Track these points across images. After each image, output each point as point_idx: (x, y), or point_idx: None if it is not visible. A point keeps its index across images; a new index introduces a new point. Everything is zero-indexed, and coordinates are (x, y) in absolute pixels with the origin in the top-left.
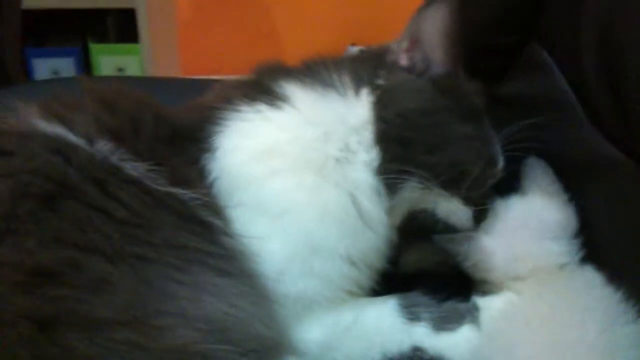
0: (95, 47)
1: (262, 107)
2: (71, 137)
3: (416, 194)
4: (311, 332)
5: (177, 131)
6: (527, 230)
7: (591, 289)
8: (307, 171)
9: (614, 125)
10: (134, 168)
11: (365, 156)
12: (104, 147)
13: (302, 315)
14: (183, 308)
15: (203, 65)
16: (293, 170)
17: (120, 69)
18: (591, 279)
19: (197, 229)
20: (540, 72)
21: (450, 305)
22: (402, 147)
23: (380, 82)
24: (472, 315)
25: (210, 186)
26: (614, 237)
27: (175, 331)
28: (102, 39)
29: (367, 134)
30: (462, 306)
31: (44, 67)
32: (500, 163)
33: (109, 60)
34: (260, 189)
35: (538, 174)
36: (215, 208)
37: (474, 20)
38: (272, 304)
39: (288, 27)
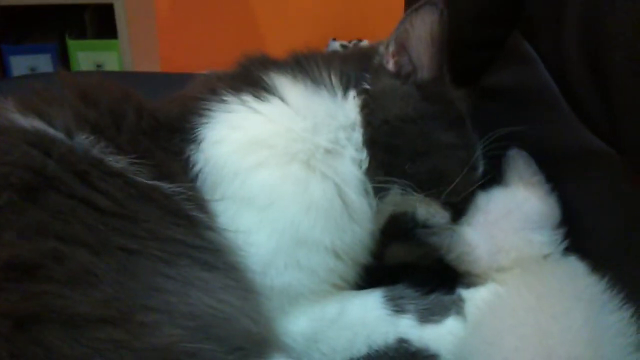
0: (73, 44)
1: (249, 99)
2: (50, 131)
3: (398, 199)
4: (297, 324)
5: (160, 123)
6: (510, 221)
7: (576, 279)
8: (294, 162)
9: (597, 117)
10: (116, 161)
11: (354, 154)
12: (84, 140)
13: (288, 307)
14: (169, 303)
15: (182, 61)
16: (280, 162)
17: (98, 65)
18: (575, 268)
19: (182, 222)
20: (524, 65)
21: (435, 297)
22: (387, 154)
23: (367, 86)
24: (457, 307)
25: (194, 179)
26: (597, 227)
27: (161, 329)
28: (80, 35)
29: (356, 135)
30: (447, 298)
31: (21, 64)
32: (480, 169)
33: (88, 56)
34: (246, 181)
35: (520, 165)
36: (199, 202)
37: (458, 15)
38: (258, 298)
39: (269, 21)
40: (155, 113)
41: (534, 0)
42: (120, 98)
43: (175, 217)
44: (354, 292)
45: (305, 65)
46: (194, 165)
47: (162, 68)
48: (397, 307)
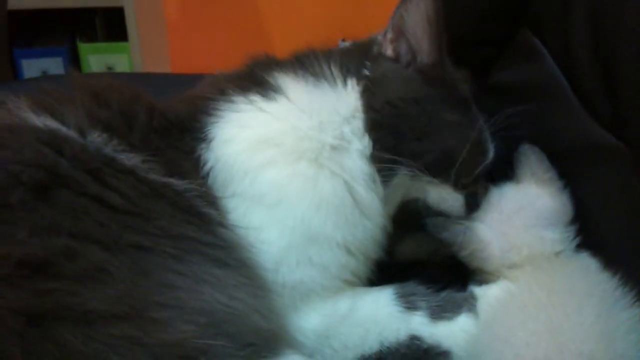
0: (84, 47)
1: (256, 98)
2: (62, 129)
3: (407, 182)
4: (309, 321)
5: (171, 122)
6: (522, 218)
7: (587, 275)
8: (302, 160)
9: (605, 111)
10: (128, 159)
11: (359, 144)
12: (96, 138)
13: (300, 304)
14: (181, 299)
15: (192, 63)
16: (289, 160)
17: (109, 68)
18: (587, 265)
19: (194, 220)
20: (533, 59)
21: (447, 294)
22: (392, 136)
23: (367, 72)
24: (469, 304)
25: (205, 177)
26: (609, 222)
27: (173, 325)
28: (91, 38)
29: (358, 123)
30: (459, 295)
31: (33, 68)
32: (491, 150)
33: (98, 59)
34: (256, 179)
35: (532, 162)
36: (210, 199)
37: (467, 11)
38: (269, 295)
39: (277, 23)
40: (165, 113)
41: None
42: (131, 98)
43: (187, 215)
44: (366, 289)
45: (306, 61)
46: (204, 164)
47: (172, 70)
48: (409, 304)
